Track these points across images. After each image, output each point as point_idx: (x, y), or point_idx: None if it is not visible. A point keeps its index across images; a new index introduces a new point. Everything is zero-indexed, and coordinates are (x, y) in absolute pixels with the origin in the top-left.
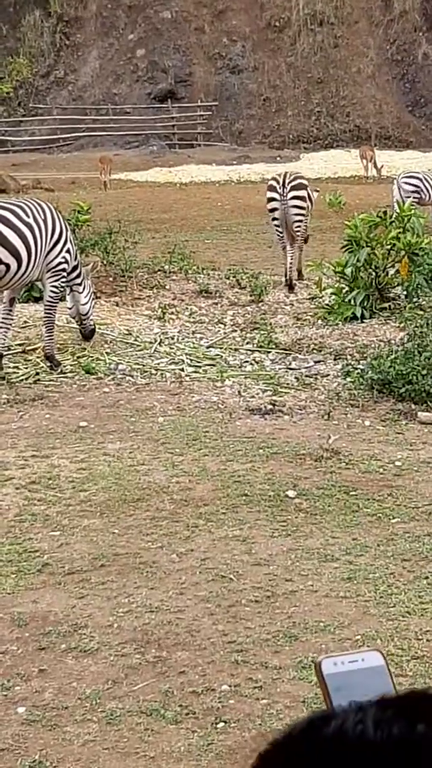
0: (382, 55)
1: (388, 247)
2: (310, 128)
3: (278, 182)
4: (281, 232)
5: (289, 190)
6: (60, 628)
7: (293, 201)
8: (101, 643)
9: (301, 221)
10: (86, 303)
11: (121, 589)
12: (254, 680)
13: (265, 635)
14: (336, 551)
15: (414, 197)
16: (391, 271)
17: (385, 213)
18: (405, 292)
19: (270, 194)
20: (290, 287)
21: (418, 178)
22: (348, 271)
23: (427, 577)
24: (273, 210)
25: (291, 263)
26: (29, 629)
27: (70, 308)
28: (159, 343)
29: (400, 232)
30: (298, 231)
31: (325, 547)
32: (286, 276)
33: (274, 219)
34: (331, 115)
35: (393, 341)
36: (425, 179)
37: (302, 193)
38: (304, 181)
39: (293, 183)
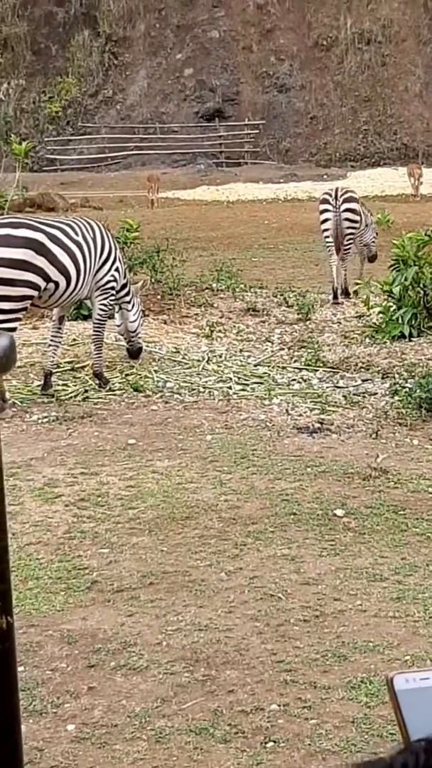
0: (430, 74)
1: None
2: (357, 146)
3: (331, 195)
4: (332, 245)
5: (342, 203)
6: (109, 646)
7: (345, 213)
8: (150, 661)
9: (353, 234)
10: (135, 321)
11: (170, 607)
12: (303, 700)
13: (313, 655)
14: (385, 571)
15: None
16: None
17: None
18: None
19: (323, 206)
20: (342, 295)
21: None
22: (395, 289)
23: None
24: (325, 221)
25: (339, 274)
26: (78, 647)
27: (118, 326)
28: (207, 361)
29: None
30: (348, 244)
31: (373, 566)
32: (335, 288)
33: (325, 230)
34: (378, 134)
35: None
36: None
37: (354, 206)
38: (356, 196)
39: (345, 196)
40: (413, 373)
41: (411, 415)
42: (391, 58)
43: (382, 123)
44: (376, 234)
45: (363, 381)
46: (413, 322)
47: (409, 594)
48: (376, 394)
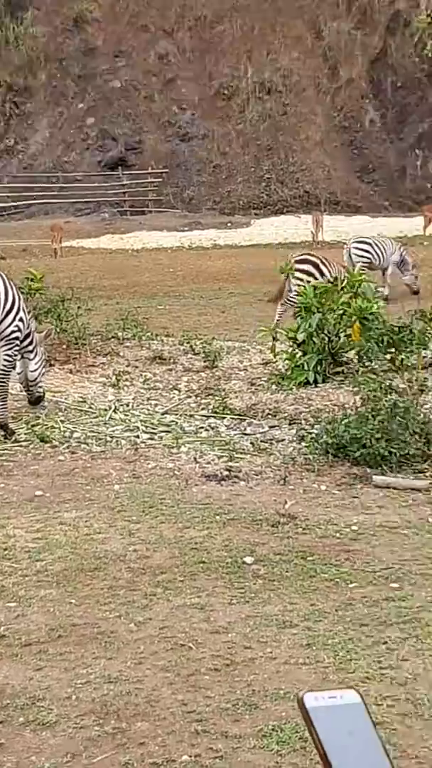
0: (330, 122)
1: (340, 312)
2: (260, 194)
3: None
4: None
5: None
6: (17, 701)
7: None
8: (59, 716)
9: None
10: (35, 370)
11: (79, 660)
12: (215, 750)
13: (224, 704)
14: (294, 617)
15: (364, 262)
16: (344, 336)
17: (335, 279)
18: (358, 357)
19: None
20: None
21: (368, 243)
22: (300, 336)
23: (385, 642)
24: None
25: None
26: None
27: (18, 373)
28: (114, 410)
29: (351, 297)
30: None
31: (283, 613)
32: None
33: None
34: (280, 181)
35: (347, 405)
36: (375, 244)
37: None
38: (312, 258)
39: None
40: (319, 419)
41: (318, 460)
42: (291, 107)
43: (284, 171)
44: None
45: (270, 428)
46: (319, 368)
47: (319, 640)
48: (284, 440)
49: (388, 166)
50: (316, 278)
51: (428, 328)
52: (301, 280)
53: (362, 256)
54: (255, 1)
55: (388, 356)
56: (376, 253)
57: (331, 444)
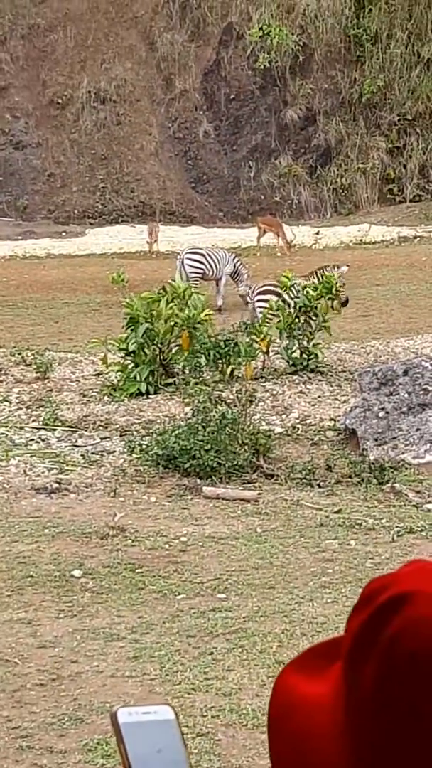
0: (165, 133)
1: (171, 323)
2: (95, 204)
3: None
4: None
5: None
6: None
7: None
8: None
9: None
10: None
11: None
12: (39, 766)
13: (50, 719)
14: (122, 630)
15: (197, 273)
16: (175, 347)
17: (164, 289)
18: (189, 368)
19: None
20: None
21: (201, 254)
22: (131, 347)
23: (211, 653)
24: None
25: None
26: None
27: None
28: None
29: (180, 308)
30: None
31: (111, 626)
32: None
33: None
34: (115, 191)
35: (178, 416)
36: (208, 255)
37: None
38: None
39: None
40: (150, 430)
41: (149, 472)
42: (126, 117)
43: (119, 181)
44: None
45: (102, 439)
46: (150, 378)
47: (146, 652)
48: (115, 452)
49: (222, 177)
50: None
51: (255, 341)
52: (264, 306)
53: (195, 267)
54: (89, 10)
55: (218, 368)
56: (209, 263)
57: (161, 455)
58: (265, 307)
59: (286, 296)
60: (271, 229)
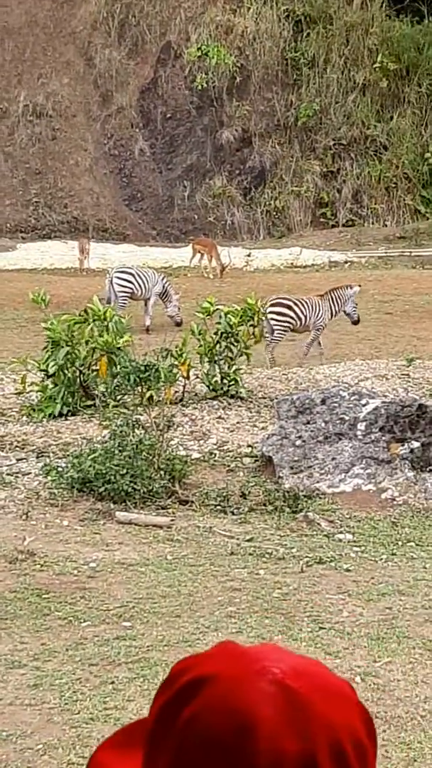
0: (100, 149)
1: (93, 345)
2: (27, 218)
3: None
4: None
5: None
6: None
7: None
8: None
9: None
10: None
11: None
12: None
13: None
14: (24, 657)
15: (126, 292)
16: (96, 370)
17: (86, 311)
18: (108, 391)
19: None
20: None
21: (130, 273)
22: (51, 369)
23: (113, 682)
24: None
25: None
26: None
27: None
28: None
29: (102, 331)
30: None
31: (12, 653)
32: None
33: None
34: (48, 206)
35: (95, 439)
36: (137, 275)
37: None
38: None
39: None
40: (67, 453)
41: (63, 495)
42: (61, 132)
43: (52, 196)
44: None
45: (17, 460)
46: (69, 400)
47: (47, 680)
48: (30, 473)
49: (156, 196)
50: (290, 317)
51: (176, 365)
52: (277, 320)
53: (124, 287)
54: (27, 24)
55: (138, 391)
56: (138, 283)
57: (76, 479)
58: (279, 320)
59: (297, 310)
60: (204, 250)
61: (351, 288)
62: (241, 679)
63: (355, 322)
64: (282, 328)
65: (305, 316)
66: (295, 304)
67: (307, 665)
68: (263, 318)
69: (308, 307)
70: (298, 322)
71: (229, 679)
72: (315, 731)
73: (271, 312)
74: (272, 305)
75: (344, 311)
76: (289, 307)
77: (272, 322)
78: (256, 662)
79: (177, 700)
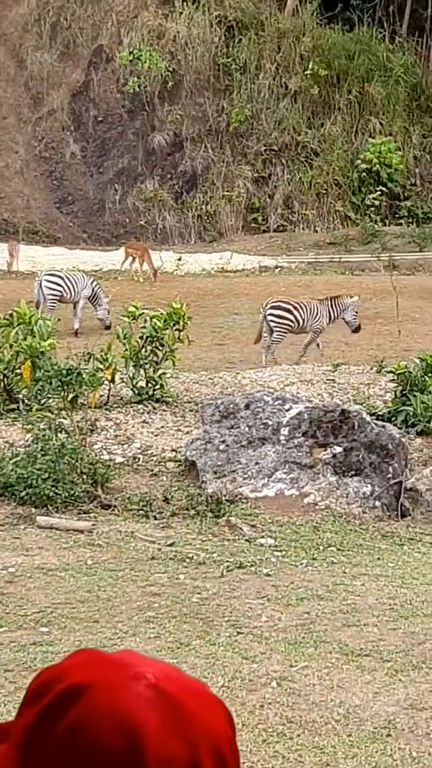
0: (31, 152)
1: (17, 349)
2: None
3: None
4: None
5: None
6: None
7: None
8: None
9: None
10: None
11: None
12: None
13: None
14: None
15: (54, 295)
16: (20, 373)
17: (11, 315)
18: (32, 394)
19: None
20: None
21: (59, 276)
22: None
23: None
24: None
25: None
26: None
27: None
28: None
29: (26, 335)
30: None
31: None
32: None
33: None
34: None
35: (18, 443)
36: (66, 278)
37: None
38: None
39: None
40: None
41: None
42: None
43: None
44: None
45: None
46: None
47: None
48: None
49: (87, 199)
50: (289, 320)
51: (101, 368)
52: (276, 322)
53: (53, 290)
54: None
55: (62, 394)
56: (67, 286)
57: None
58: (278, 322)
59: (296, 313)
60: (137, 254)
61: (351, 297)
62: (119, 685)
63: (355, 330)
64: (282, 330)
65: (303, 319)
66: (294, 307)
67: (170, 669)
68: (263, 319)
69: (306, 310)
70: (296, 325)
71: (108, 686)
72: (198, 736)
73: (270, 314)
74: (272, 307)
75: (344, 319)
76: (288, 310)
77: (272, 324)
78: (128, 668)
79: (54, 709)
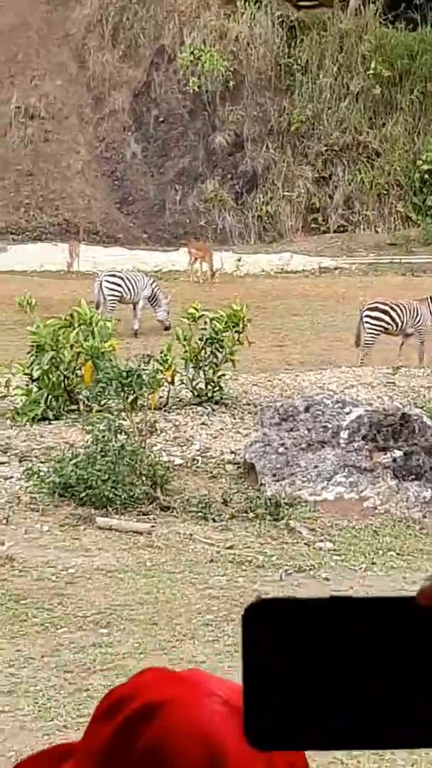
0: (92, 152)
1: (77, 350)
2: (18, 220)
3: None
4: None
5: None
6: None
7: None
8: None
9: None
10: None
11: None
12: None
13: None
14: None
15: (115, 296)
16: (80, 375)
17: (72, 315)
18: (93, 395)
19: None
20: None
21: (119, 276)
22: (36, 373)
23: (87, 689)
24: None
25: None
26: None
27: None
28: None
29: (87, 336)
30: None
31: None
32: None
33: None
34: (39, 208)
35: (78, 444)
36: (126, 279)
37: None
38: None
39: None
40: (49, 457)
41: (44, 500)
42: (53, 134)
43: (44, 198)
44: None
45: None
46: (53, 404)
47: (21, 687)
48: (12, 477)
49: (147, 199)
50: (387, 323)
51: (161, 370)
52: (373, 325)
53: (113, 290)
54: (20, 25)
55: (122, 396)
56: (127, 287)
57: (58, 483)
58: (372, 324)
59: (394, 315)
60: (199, 255)
61: None
62: (194, 703)
63: None
64: (374, 331)
65: (402, 321)
66: (392, 308)
67: (238, 687)
68: (360, 321)
69: (406, 311)
70: (394, 326)
71: (183, 703)
72: (274, 754)
73: (366, 315)
74: (369, 308)
75: None
76: (385, 312)
77: (366, 325)
78: (200, 685)
79: (130, 727)
